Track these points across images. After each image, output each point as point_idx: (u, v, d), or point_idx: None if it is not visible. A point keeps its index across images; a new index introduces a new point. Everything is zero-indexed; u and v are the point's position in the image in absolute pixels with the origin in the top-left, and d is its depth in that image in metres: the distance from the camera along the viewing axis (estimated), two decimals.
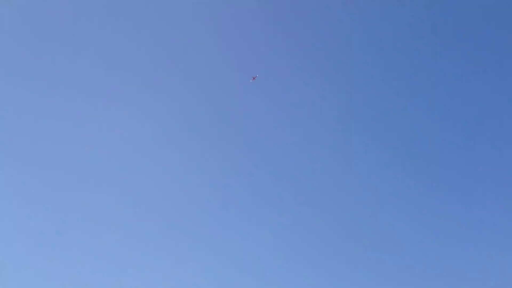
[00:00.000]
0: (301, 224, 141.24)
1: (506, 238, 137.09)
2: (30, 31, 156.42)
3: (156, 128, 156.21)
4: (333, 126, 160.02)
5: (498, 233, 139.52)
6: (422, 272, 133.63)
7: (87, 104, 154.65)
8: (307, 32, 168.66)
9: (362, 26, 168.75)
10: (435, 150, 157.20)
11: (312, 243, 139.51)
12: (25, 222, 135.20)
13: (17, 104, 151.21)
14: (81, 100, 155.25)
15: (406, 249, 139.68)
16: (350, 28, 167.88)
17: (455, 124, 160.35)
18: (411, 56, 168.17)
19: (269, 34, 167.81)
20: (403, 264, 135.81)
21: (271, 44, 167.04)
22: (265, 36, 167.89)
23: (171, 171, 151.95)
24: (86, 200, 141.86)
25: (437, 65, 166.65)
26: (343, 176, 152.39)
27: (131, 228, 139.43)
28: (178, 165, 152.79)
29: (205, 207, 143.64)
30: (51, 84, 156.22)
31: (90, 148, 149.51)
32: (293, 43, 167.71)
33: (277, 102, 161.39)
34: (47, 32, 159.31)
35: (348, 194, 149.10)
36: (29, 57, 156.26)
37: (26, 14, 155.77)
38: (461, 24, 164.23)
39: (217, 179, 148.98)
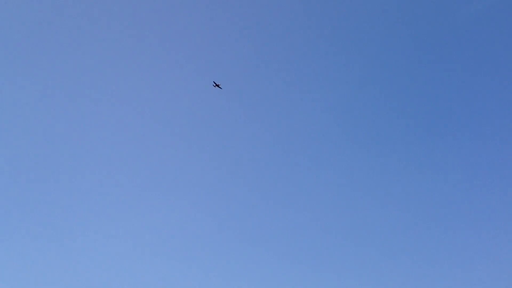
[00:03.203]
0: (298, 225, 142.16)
1: (506, 237, 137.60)
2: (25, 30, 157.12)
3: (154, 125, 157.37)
4: (327, 127, 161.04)
5: (497, 233, 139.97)
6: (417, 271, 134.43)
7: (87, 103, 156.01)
8: (304, 34, 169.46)
9: (360, 27, 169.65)
10: (432, 150, 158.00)
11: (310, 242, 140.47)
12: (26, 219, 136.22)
13: (17, 102, 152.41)
14: (81, 99, 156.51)
15: (404, 248, 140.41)
16: (347, 29, 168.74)
17: (454, 125, 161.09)
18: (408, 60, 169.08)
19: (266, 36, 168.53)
20: (400, 262, 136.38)
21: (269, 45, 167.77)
22: (263, 38, 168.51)
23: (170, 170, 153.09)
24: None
25: (438, 66, 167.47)
26: (340, 177, 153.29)
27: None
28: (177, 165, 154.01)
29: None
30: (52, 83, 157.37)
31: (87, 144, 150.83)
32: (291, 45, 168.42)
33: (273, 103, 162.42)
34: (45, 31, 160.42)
35: (344, 194, 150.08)
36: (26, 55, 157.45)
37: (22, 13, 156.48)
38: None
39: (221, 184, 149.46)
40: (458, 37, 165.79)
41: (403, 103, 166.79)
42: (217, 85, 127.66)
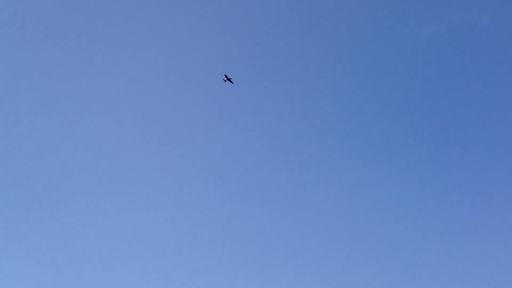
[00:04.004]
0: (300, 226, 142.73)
1: (504, 239, 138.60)
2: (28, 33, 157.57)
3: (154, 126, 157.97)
4: (331, 126, 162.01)
5: (496, 235, 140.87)
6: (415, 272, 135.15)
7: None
8: (308, 34, 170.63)
9: (361, 28, 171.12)
10: (432, 153, 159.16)
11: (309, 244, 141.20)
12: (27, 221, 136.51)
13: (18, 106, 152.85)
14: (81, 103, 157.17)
15: (404, 251, 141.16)
16: (350, 29, 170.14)
17: (453, 128, 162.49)
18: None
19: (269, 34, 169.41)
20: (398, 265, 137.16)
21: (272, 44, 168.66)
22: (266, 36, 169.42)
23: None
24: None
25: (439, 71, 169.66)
26: (339, 177, 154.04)
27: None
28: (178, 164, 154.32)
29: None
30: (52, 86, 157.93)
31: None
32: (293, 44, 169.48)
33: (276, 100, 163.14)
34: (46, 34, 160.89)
35: (342, 196, 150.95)
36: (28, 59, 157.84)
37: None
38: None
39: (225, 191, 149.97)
40: (418, 52, 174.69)
41: (391, 108, 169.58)
42: (229, 79, 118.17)
